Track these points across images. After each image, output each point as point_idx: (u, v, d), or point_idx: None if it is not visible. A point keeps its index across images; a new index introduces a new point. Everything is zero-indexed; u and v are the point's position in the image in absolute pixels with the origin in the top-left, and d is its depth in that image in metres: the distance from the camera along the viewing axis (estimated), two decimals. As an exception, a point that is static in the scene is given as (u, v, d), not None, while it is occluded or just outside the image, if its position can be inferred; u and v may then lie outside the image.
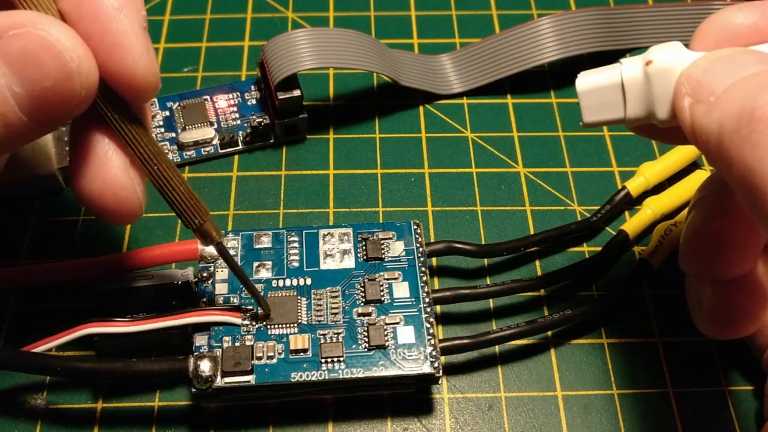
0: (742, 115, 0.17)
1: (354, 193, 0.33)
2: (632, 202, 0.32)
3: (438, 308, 0.29)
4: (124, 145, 0.23)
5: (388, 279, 0.27)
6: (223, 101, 0.35)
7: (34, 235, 0.31)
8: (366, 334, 0.26)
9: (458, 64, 0.37)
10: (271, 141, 0.34)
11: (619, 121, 0.22)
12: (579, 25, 0.36)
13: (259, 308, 0.26)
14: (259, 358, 0.25)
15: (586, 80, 0.22)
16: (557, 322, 0.28)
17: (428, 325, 0.26)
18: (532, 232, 0.32)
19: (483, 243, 0.31)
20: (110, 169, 0.23)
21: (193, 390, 0.25)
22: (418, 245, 0.28)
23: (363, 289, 0.27)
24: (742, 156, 0.17)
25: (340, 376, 0.25)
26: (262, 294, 0.26)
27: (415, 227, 0.28)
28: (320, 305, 0.26)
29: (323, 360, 0.25)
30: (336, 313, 0.26)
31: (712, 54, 0.20)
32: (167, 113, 0.34)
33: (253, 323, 0.26)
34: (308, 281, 0.27)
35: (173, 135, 0.34)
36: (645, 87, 0.21)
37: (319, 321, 0.26)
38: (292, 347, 0.25)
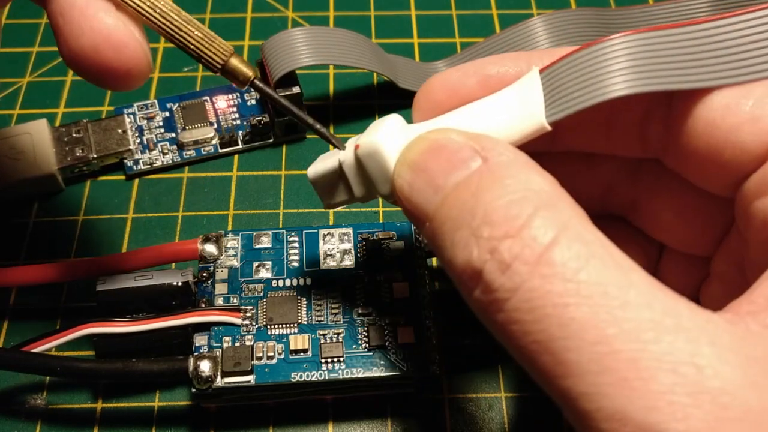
0: (448, 269, 0.18)
1: (354, 193, 0.33)
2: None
3: (438, 307, 0.29)
4: None
5: (388, 279, 0.27)
6: (222, 102, 0.35)
7: (34, 235, 0.31)
8: (366, 334, 0.26)
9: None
10: (271, 140, 0.34)
11: (354, 200, 0.23)
12: (572, 24, 0.36)
13: (333, 143, 0.23)
14: (259, 358, 0.25)
15: (313, 169, 0.23)
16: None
17: (428, 325, 0.26)
18: (532, 232, 0.32)
19: (483, 243, 0.31)
20: (95, 16, 0.21)
21: (193, 390, 0.25)
22: (418, 245, 0.28)
23: (363, 289, 0.27)
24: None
25: (340, 377, 0.25)
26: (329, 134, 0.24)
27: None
28: (320, 305, 0.26)
29: (323, 360, 0.25)
30: (336, 313, 0.26)
31: (410, 158, 0.19)
32: (167, 114, 0.34)
33: (253, 323, 0.26)
34: (308, 281, 0.27)
35: (173, 135, 0.34)
36: (361, 169, 0.22)
37: (319, 321, 0.26)
38: (292, 347, 0.25)
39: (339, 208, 0.32)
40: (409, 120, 0.22)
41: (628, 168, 0.23)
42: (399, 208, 0.32)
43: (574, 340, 0.15)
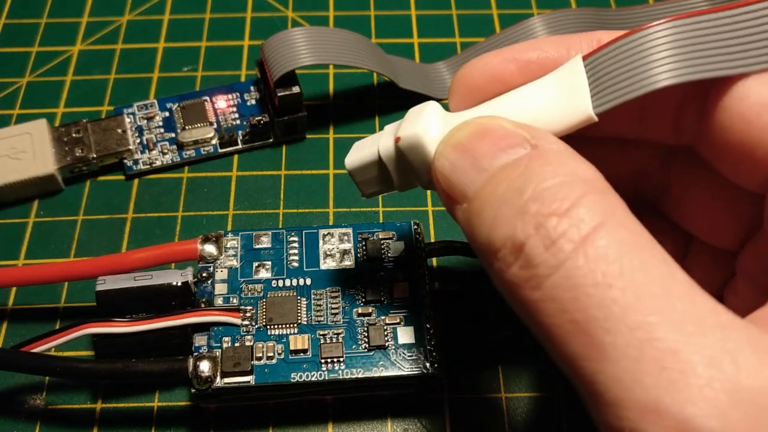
0: (485, 246, 0.18)
1: (354, 193, 0.33)
2: (632, 202, 0.32)
3: (438, 307, 0.29)
4: None
5: (388, 279, 0.27)
6: (222, 102, 0.35)
7: (33, 235, 0.31)
8: (366, 334, 0.26)
9: (455, 70, 0.37)
10: (271, 140, 0.34)
11: (393, 190, 0.23)
12: (571, 24, 0.36)
13: None
14: (259, 359, 0.25)
15: (351, 159, 0.23)
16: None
17: (428, 326, 0.26)
18: (532, 232, 0.32)
19: (483, 243, 0.31)
20: None
21: (193, 390, 0.25)
22: (418, 245, 0.28)
23: (363, 289, 0.27)
24: (490, 274, 0.18)
25: (340, 377, 0.25)
26: None
27: (415, 227, 0.28)
28: (320, 305, 0.26)
29: (323, 360, 0.25)
30: (336, 314, 0.26)
31: (455, 140, 0.19)
32: (167, 114, 0.34)
33: (253, 323, 0.26)
34: (308, 281, 0.27)
35: (173, 135, 0.34)
36: (401, 160, 0.21)
37: (319, 321, 0.26)
38: (291, 347, 0.25)
39: (341, 209, 0.33)
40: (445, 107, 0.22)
41: (661, 153, 0.23)
42: (399, 208, 0.32)
43: (613, 322, 0.15)
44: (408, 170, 0.21)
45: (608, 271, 0.15)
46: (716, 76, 0.18)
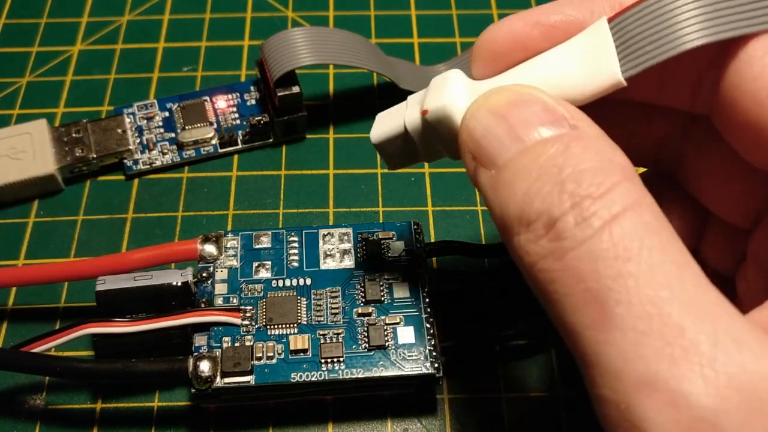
0: (512, 216, 0.18)
1: (354, 193, 0.33)
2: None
3: (438, 307, 0.29)
4: None
5: (388, 279, 0.27)
6: (222, 102, 0.35)
7: (33, 235, 0.31)
8: (366, 334, 0.26)
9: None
10: (271, 140, 0.34)
11: (420, 161, 0.22)
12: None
13: None
14: (259, 359, 0.25)
15: (376, 132, 0.23)
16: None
17: (428, 325, 0.26)
18: (532, 232, 0.32)
19: (483, 243, 0.31)
20: None
21: (193, 390, 0.25)
22: (418, 245, 0.28)
23: (363, 289, 0.27)
24: (508, 242, 0.18)
25: (340, 377, 0.25)
26: None
27: (415, 227, 0.28)
28: (320, 305, 0.26)
29: (323, 360, 0.25)
30: (336, 314, 0.26)
31: (491, 104, 0.19)
32: (167, 114, 0.34)
33: (253, 323, 0.26)
34: (308, 281, 0.27)
35: (173, 135, 0.34)
36: (428, 132, 0.21)
37: (319, 321, 0.26)
38: (291, 347, 0.25)
39: (341, 209, 0.33)
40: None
41: (682, 122, 0.23)
42: (399, 209, 0.32)
43: (625, 294, 0.15)
44: (435, 141, 0.21)
45: (629, 246, 0.16)
46: (750, 32, 0.18)
